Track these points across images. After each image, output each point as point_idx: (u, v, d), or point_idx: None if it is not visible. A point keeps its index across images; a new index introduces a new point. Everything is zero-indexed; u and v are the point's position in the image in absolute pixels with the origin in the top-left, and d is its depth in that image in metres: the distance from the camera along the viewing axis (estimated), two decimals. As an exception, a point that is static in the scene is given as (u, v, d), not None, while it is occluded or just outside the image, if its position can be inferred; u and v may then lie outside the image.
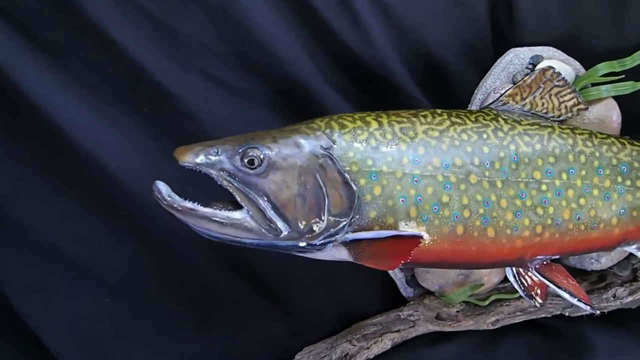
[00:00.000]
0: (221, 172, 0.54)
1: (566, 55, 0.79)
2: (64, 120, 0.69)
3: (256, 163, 0.55)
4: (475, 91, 0.79)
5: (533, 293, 0.65)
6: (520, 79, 0.72)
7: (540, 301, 0.65)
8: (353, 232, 0.57)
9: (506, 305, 0.78)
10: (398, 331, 0.77)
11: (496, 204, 0.60)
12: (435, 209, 0.58)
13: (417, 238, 0.56)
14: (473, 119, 0.63)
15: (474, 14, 0.77)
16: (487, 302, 0.77)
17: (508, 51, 0.78)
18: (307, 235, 0.56)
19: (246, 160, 0.55)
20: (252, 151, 0.55)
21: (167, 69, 0.70)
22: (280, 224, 0.55)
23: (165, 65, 0.70)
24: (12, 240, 0.71)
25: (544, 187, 0.61)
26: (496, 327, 0.78)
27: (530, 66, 0.77)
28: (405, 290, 0.83)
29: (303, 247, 0.57)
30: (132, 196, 0.73)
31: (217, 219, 0.54)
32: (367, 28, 0.73)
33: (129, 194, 0.72)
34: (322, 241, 0.57)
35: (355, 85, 0.76)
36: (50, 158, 0.71)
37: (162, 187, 0.53)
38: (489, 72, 0.79)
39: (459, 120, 0.62)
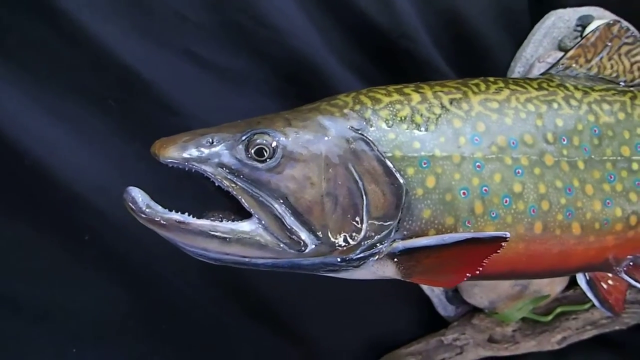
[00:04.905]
0: (219, 169, 0.42)
1: (616, 17, 0.69)
2: (3, 120, 0.55)
3: (267, 154, 0.43)
4: (512, 63, 0.70)
5: (610, 301, 0.55)
6: (570, 45, 0.61)
7: (618, 311, 0.55)
8: (403, 239, 0.45)
9: (573, 318, 0.66)
10: (443, 360, 0.65)
11: (580, 191, 0.49)
12: (506, 201, 0.47)
13: (500, 241, 0.42)
14: (536, 86, 0.52)
15: None
16: (550, 317, 0.65)
17: (548, 14, 0.69)
18: (340, 248, 0.43)
19: (253, 151, 0.43)
20: (260, 138, 0.43)
21: (138, 48, 0.58)
22: (304, 235, 0.43)
23: (136, 44, 0.58)
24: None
25: (635, 166, 0.51)
26: (562, 346, 0.65)
27: (579, 29, 0.68)
28: (445, 309, 0.71)
29: (336, 265, 0.45)
30: (99, 215, 0.60)
31: (218, 233, 0.41)
32: None
33: (95, 213, 0.60)
34: (361, 255, 0.45)
35: (372, 62, 0.68)
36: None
37: (137, 194, 0.41)
38: (527, 40, 0.70)
39: (519, 88, 0.51)
